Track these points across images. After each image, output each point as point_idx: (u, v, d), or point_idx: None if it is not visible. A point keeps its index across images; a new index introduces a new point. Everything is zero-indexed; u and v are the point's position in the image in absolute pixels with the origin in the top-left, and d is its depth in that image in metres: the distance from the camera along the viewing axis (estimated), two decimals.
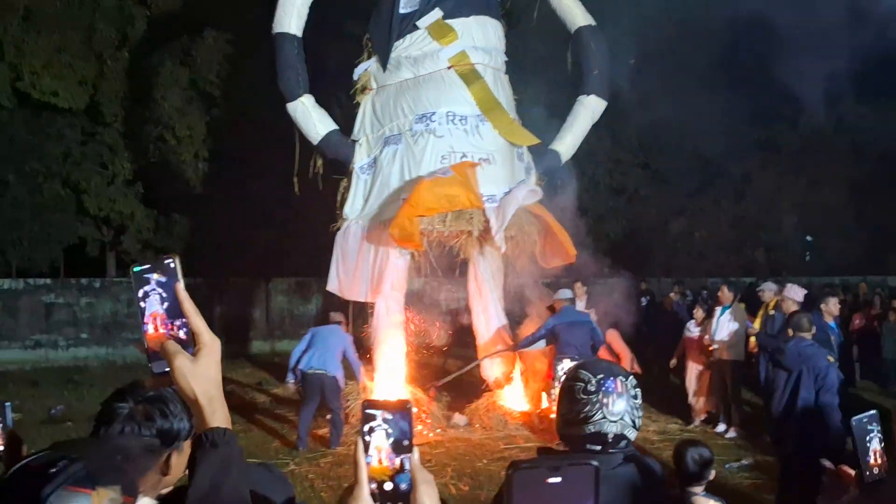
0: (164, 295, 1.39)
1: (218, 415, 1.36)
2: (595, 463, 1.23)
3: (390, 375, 10.11)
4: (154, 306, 1.39)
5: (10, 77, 16.54)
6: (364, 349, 10.29)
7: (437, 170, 9.59)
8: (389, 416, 1.25)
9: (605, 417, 2.01)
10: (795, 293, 8.34)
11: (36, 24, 16.34)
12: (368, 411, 1.26)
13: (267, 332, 18.12)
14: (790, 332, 6.09)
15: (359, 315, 10.93)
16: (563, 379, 2.16)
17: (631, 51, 19.45)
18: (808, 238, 26.46)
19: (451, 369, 11.74)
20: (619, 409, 2.01)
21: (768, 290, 9.89)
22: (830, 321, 8.11)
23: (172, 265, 1.39)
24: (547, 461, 1.24)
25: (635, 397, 2.06)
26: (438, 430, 9.61)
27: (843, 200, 24.89)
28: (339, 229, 10.31)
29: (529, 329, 9.86)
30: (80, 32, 16.90)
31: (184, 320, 1.39)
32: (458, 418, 9.87)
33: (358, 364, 9.28)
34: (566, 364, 8.58)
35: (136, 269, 1.40)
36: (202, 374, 1.36)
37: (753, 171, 24.34)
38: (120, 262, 20.30)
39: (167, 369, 1.38)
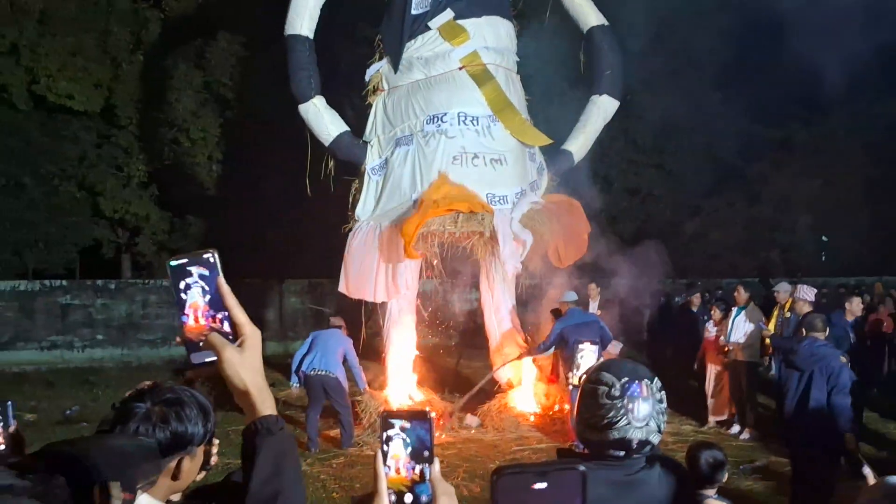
0: (207, 288, 1.40)
1: (267, 403, 1.42)
2: (582, 468, 1.20)
3: (402, 376, 10.13)
4: (195, 298, 1.40)
5: (26, 80, 16.70)
6: (375, 350, 10.31)
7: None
8: (407, 425, 1.24)
9: (630, 423, 1.92)
10: (806, 293, 8.29)
11: (51, 27, 16.49)
12: (387, 420, 1.25)
13: (280, 334, 18.17)
14: (803, 331, 6.04)
15: (371, 316, 10.94)
16: (583, 379, 2.07)
17: (644, 49, 19.40)
18: (824, 238, 26.26)
19: (462, 370, 11.75)
20: (644, 415, 1.92)
21: (783, 291, 9.82)
22: (852, 319, 8.11)
23: (212, 259, 1.41)
24: (532, 466, 1.23)
25: (661, 401, 1.97)
26: (451, 431, 9.61)
27: (859, 200, 24.70)
28: (350, 230, 10.33)
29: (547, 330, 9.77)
30: (95, 36, 17.04)
31: (226, 313, 1.41)
32: (471, 419, 9.86)
33: (358, 368, 9.29)
34: (587, 349, 8.45)
35: (173, 263, 1.41)
36: (249, 365, 1.41)
37: (767, 171, 24.18)
38: (135, 263, 20.44)
39: (207, 360, 1.40)
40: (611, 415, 1.93)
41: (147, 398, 1.77)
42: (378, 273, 9.75)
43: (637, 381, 1.95)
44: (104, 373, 14.82)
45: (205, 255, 1.41)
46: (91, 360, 16.28)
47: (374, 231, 9.93)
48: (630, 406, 1.92)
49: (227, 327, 1.41)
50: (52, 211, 17.96)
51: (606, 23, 11.32)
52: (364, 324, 10.62)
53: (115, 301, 17.19)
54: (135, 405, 1.75)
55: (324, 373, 8.85)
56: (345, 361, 9.14)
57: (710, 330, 10.19)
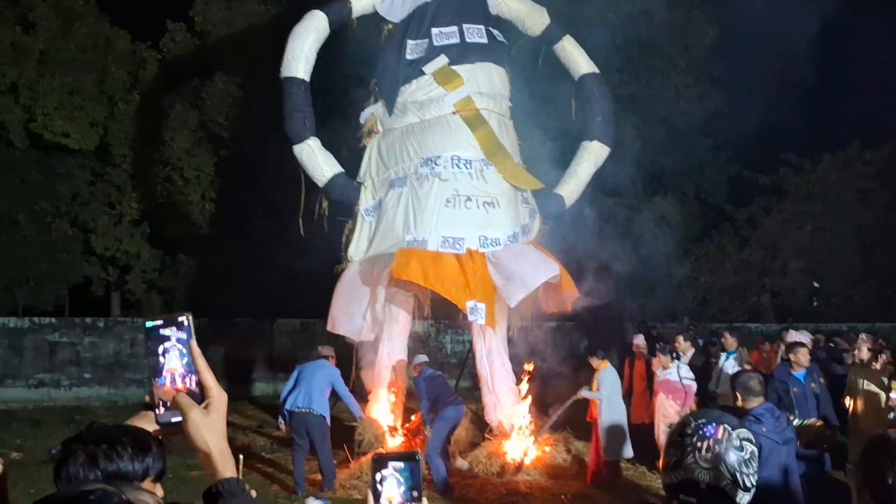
0: (184, 351, 1.46)
1: (229, 465, 1.46)
2: None
3: (390, 415, 10.07)
4: (173, 362, 1.46)
5: (24, 118, 16.82)
6: (363, 392, 10.25)
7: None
8: (401, 465, 1.32)
9: (695, 462, 1.83)
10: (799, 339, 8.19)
11: (50, 67, 16.68)
12: (379, 461, 1.31)
13: (270, 374, 18.05)
14: (737, 396, 5.19)
15: (363, 358, 10.89)
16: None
17: (635, 95, 19.69)
18: (815, 284, 26.34)
19: None
20: (712, 456, 1.82)
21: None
22: (800, 371, 7.66)
23: (186, 323, 1.47)
24: None
25: (742, 450, 1.85)
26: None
27: (850, 247, 24.82)
28: (342, 271, 10.35)
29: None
30: (93, 75, 17.23)
31: (196, 376, 1.47)
32: (460, 462, 9.77)
33: (350, 397, 9.15)
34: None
35: (149, 325, 1.48)
36: (213, 427, 1.44)
37: (758, 216, 24.35)
38: (124, 301, 20.37)
39: (173, 420, 1.45)
40: (678, 453, 1.87)
41: (81, 440, 1.78)
42: (370, 313, 9.74)
43: (714, 424, 1.88)
44: (90, 412, 14.64)
45: (179, 319, 1.47)
46: (78, 399, 16.11)
47: (368, 271, 9.96)
48: (698, 445, 1.85)
49: (196, 389, 1.46)
50: (44, 248, 17.94)
51: (598, 71, 11.52)
52: (355, 365, 10.58)
53: (104, 339, 17.06)
54: (68, 449, 1.76)
55: (306, 410, 8.62)
56: (334, 394, 9.00)
57: (659, 374, 9.37)
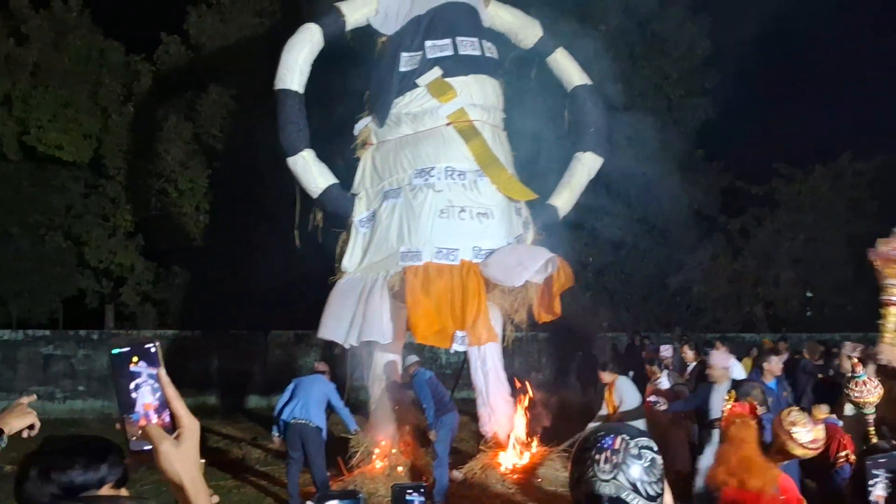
0: (155, 385, 1.44)
1: (202, 496, 1.43)
2: None
3: (385, 428, 10.05)
4: (146, 397, 1.44)
5: (17, 131, 16.81)
6: (360, 403, 10.24)
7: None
8: None
9: (595, 475, 1.80)
10: (719, 359, 8.00)
11: (44, 79, 16.70)
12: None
13: (265, 387, 17.99)
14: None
15: (355, 369, 10.88)
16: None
17: (628, 107, 19.77)
18: (808, 294, 26.39)
19: None
20: (610, 467, 1.80)
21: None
22: (771, 380, 7.72)
23: (154, 350, 1.45)
24: None
25: (641, 458, 1.82)
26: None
27: (843, 256, 24.89)
28: (337, 282, 10.34)
29: None
30: (86, 87, 17.25)
31: (167, 407, 1.45)
32: (455, 474, 9.76)
33: (345, 409, 9.14)
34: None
35: (115, 352, 1.46)
36: (186, 458, 1.42)
37: (750, 226, 24.43)
38: (118, 314, 20.31)
39: (145, 448, 1.42)
40: (580, 468, 1.86)
41: (37, 455, 1.79)
42: (364, 320, 9.70)
43: (612, 435, 1.86)
44: (84, 426, 14.59)
45: (146, 346, 1.45)
46: (72, 412, 16.05)
47: (362, 282, 9.95)
48: (597, 457, 1.83)
49: (169, 421, 1.44)
50: (38, 261, 17.90)
51: (590, 82, 11.58)
52: (349, 377, 10.57)
53: (98, 352, 16.99)
54: (27, 463, 1.77)
55: (303, 422, 8.59)
56: (330, 409, 8.99)
57: (649, 385, 9.44)
